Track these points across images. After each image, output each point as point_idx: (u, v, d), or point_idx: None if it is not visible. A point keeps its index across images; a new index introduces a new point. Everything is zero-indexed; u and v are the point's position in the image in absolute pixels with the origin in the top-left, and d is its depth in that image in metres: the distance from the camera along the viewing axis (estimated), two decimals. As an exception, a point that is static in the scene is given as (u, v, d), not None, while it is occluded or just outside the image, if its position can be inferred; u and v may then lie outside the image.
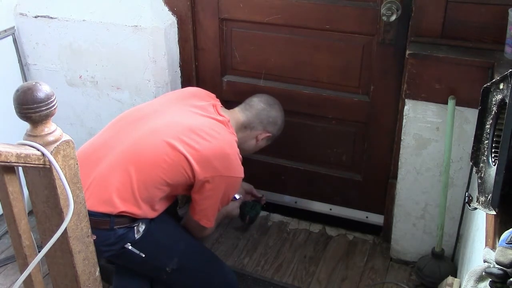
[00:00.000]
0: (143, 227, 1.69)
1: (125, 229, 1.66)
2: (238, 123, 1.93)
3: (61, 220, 1.19)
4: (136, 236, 1.68)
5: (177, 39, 2.23)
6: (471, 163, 1.40)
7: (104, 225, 1.61)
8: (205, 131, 1.75)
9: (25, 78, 2.41)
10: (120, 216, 1.63)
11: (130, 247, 1.68)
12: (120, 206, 1.62)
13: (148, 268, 1.80)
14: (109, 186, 1.64)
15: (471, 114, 1.79)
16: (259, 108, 1.97)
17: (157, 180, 1.67)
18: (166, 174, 1.67)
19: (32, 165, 1.11)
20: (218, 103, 1.94)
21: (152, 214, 1.72)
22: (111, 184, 1.64)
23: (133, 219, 1.67)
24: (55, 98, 1.13)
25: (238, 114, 1.95)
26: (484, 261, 1.05)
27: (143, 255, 1.70)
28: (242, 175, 1.80)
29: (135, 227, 1.67)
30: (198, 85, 2.34)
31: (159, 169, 1.67)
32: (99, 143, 1.76)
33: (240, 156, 1.82)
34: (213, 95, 1.99)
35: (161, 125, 1.75)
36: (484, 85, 1.29)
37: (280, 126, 2.03)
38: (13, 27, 2.33)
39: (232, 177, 1.76)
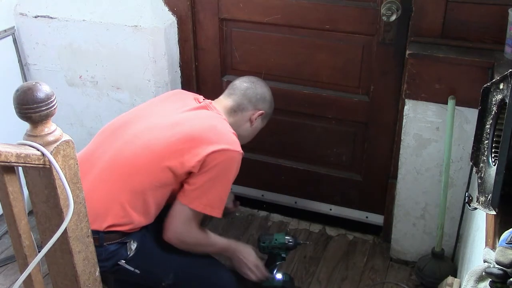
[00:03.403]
0: (135, 245, 1.63)
1: (116, 245, 1.60)
2: (226, 108, 1.84)
3: (61, 220, 1.19)
4: (128, 253, 1.62)
5: (177, 39, 2.23)
6: (471, 163, 1.40)
7: (94, 242, 1.50)
8: (186, 120, 1.69)
9: (25, 78, 2.41)
10: (109, 232, 1.58)
11: (124, 264, 1.63)
12: (108, 220, 1.57)
13: (145, 282, 1.75)
14: (95, 202, 1.56)
15: (471, 114, 1.79)
16: (243, 88, 1.88)
17: (145, 186, 1.60)
18: (152, 178, 1.61)
19: (32, 165, 1.11)
20: (199, 96, 1.87)
21: (147, 221, 1.65)
22: (96, 199, 1.58)
23: (124, 234, 1.61)
24: (55, 98, 1.13)
25: (224, 101, 1.87)
26: (484, 261, 1.05)
27: (138, 272, 1.65)
28: (239, 150, 1.66)
29: (127, 244, 1.62)
30: (198, 85, 2.34)
31: (144, 175, 1.61)
32: (84, 158, 1.70)
33: (235, 132, 1.74)
34: (196, 94, 1.91)
35: (141, 129, 1.69)
36: (484, 85, 1.29)
37: (270, 101, 1.94)
38: (13, 27, 2.33)
39: (226, 150, 1.62)
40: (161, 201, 1.67)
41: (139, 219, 1.62)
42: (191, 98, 1.84)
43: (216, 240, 1.78)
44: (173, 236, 1.65)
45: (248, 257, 1.85)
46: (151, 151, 1.63)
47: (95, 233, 1.54)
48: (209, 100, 1.84)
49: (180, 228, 1.65)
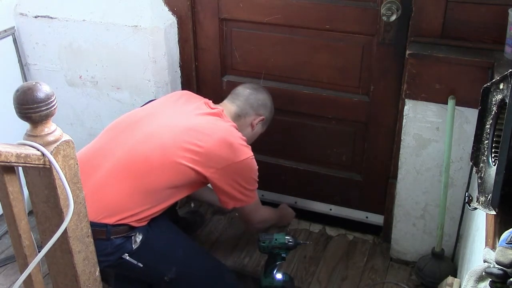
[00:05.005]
0: (140, 237, 1.66)
1: (122, 238, 1.62)
2: (231, 113, 1.92)
3: (61, 220, 1.19)
4: (133, 246, 1.65)
5: (177, 39, 2.23)
6: (471, 163, 1.40)
7: (101, 235, 1.56)
8: (203, 127, 1.75)
9: (25, 78, 2.41)
10: (118, 225, 1.60)
11: (127, 258, 1.65)
12: (117, 215, 1.60)
13: (147, 277, 1.79)
14: (106, 196, 1.61)
15: (471, 114, 1.79)
16: (245, 94, 1.97)
17: (157, 186, 1.65)
18: (164, 177, 1.66)
19: (32, 165, 1.11)
20: (209, 101, 1.93)
21: (155, 215, 1.69)
22: (107, 193, 1.61)
23: (131, 228, 1.64)
24: (55, 98, 1.13)
25: (228, 106, 1.94)
26: (484, 261, 1.05)
27: (141, 265, 1.67)
28: (251, 154, 1.80)
29: (132, 237, 1.64)
30: (198, 85, 2.34)
31: (157, 174, 1.65)
32: (93, 151, 1.73)
33: (244, 138, 1.82)
34: (205, 98, 1.97)
35: (156, 129, 1.73)
36: (484, 85, 1.29)
37: (270, 107, 2.03)
38: (13, 27, 2.33)
39: (243, 160, 1.76)
40: (172, 199, 1.72)
41: (148, 214, 1.66)
42: (202, 102, 1.89)
43: (272, 211, 2.20)
44: (256, 225, 2.05)
45: (290, 218, 2.40)
46: (164, 151, 1.67)
47: (103, 226, 1.58)
48: (221, 108, 1.89)
49: (256, 217, 2.00)
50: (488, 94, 1.28)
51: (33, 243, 1.26)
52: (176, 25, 2.20)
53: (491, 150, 1.22)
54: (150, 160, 1.66)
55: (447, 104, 1.79)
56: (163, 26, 2.14)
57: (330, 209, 2.44)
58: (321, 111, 2.20)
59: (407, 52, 1.80)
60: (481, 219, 1.47)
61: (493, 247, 1.08)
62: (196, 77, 2.33)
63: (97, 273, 1.38)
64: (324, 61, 2.11)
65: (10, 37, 2.33)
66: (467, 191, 1.86)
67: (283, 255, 1.95)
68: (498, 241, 1.00)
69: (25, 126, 1.15)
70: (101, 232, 1.57)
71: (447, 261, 2.05)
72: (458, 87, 1.77)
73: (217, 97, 2.07)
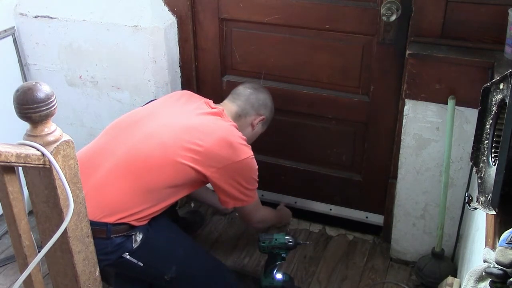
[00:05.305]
0: (141, 236, 1.67)
1: (122, 237, 1.63)
2: (231, 113, 1.92)
3: (61, 220, 1.20)
4: (133, 245, 1.65)
5: (177, 39, 2.23)
6: (471, 163, 1.40)
7: (101, 234, 1.57)
8: (203, 126, 1.75)
9: (25, 78, 2.41)
10: (118, 224, 1.61)
11: (128, 257, 1.65)
12: (117, 214, 1.60)
13: (147, 276, 1.79)
14: (107, 195, 1.62)
15: (471, 114, 1.79)
16: (246, 93, 1.97)
17: (157, 185, 1.66)
18: (165, 176, 1.66)
19: (32, 165, 1.11)
20: (209, 100, 1.93)
21: (155, 214, 1.70)
22: (108, 192, 1.62)
23: (131, 227, 1.64)
24: (55, 98, 1.13)
25: (229, 105, 1.95)
26: (484, 261, 1.05)
27: (141, 264, 1.68)
28: (251, 153, 1.80)
29: (132, 236, 1.65)
30: (198, 85, 2.34)
31: (157, 173, 1.65)
32: (94, 151, 1.74)
33: (245, 137, 1.83)
34: (206, 98, 1.98)
35: (156, 128, 1.74)
36: (484, 85, 1.29)
37: (271, 107, 2.03)
38: (13, 27, 2.33)
39: (243, 159, 1.76)
40: (172, 199, 1.72)
41: (148, 214, 1.67)
42: (202, 102, 1.90)
43: (272, 211, 2.22)
44: (256, 225, 2.07)
45: (288, 218, 2.42)
46: (165, 150, 1.68)
47: (103, 225, 1.59)
48: (222, 108, 1.89)
49: (256, 217, 2.01)
50: (488, 94, 1.28)
51: (33, 243, 1.26)
52: (176, 25, 2.20)
53: (491, 150, 1.22)
54: (151, 159, 1.67)
55: (447, 104, 1.79)
56: (163, 26, 2.14)
57: (330, 209, 2.44)
58: (321, 111, 2.20)
59: (407, 52, 1.80)
60: (481, 219, 1.47)
61: (493, 247, 1.08)
62: (196, 77, 2.33)
63: (97, 273, 1.39)
64: (324, 61, 2.11)
65: (10, 37, 2.33)
66: (467, 191, 1.86)
67: (283, 255, 1.95)
68: (498, 241, 1.00)
69: (25, 126, 1.15)
70: (101, 231, 1.58)
71: (447, 261, 2.05)
72: (458, 87, 1.77)
73: (217, 97, 2.07)
